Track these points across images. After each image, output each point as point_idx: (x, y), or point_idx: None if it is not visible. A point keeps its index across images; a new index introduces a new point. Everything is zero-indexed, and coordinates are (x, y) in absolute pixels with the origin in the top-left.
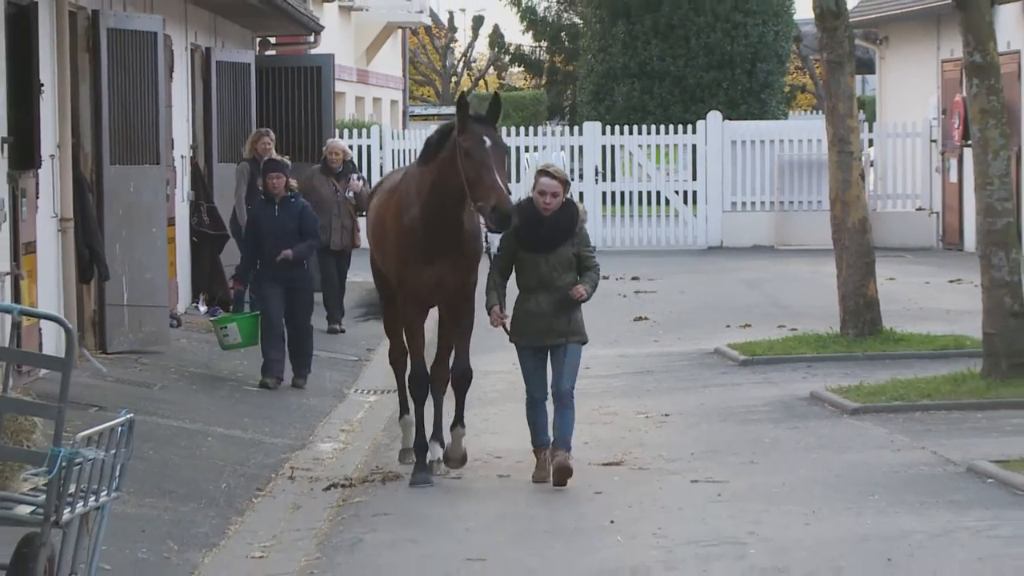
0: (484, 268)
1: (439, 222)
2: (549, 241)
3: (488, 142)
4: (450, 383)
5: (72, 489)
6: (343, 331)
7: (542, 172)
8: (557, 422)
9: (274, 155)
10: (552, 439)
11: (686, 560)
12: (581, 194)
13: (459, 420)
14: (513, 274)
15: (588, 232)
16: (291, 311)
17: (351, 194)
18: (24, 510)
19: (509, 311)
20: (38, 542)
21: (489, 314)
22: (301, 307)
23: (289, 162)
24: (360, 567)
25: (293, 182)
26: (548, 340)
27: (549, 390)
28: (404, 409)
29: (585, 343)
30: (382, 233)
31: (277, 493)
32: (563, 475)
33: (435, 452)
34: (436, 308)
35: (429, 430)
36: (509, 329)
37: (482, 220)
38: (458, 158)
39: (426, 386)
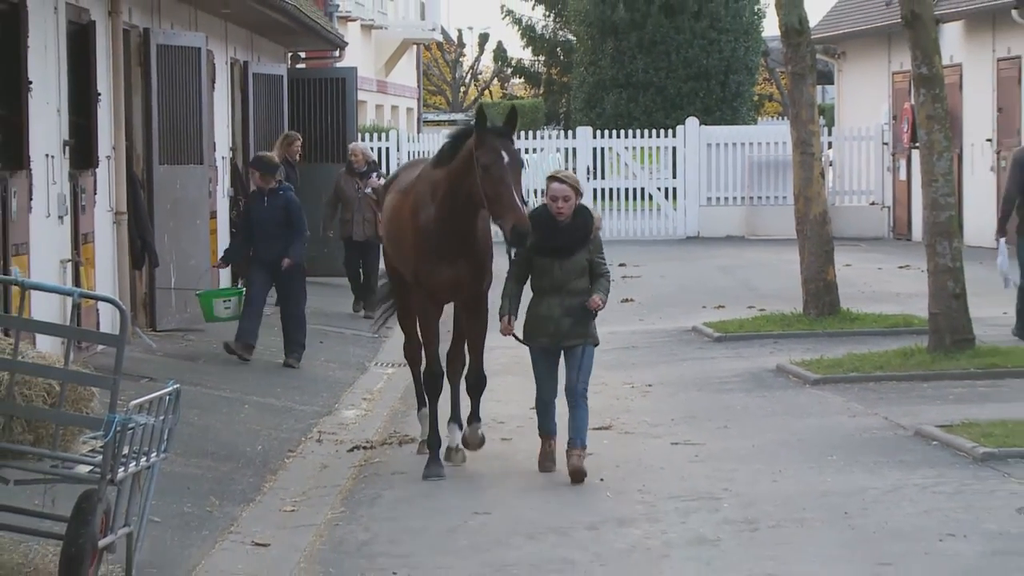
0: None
1: (453, 223)
2: (564, 248)
3: (506, 158)
4: (464, 389)
5: (125, 451)
6: (368, 316)
7: (553, 178)
8: (571, 422)
9: (264, 153)
10: (569, 437)
11: (667, 513)
12: None
13: (475, 416)
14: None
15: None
16: (283, 299)
17: (370, 190)
18: (83, 469)
19: (522, 314)
20: (96, 498)
21: (500, 321)
22: (292, 295)
23: (298, 159)
24: (379, 520)
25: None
26: (559, 342)
27: (560, 390)
28: (421, 403)
29: (597, 344)
30: (397, 231)
31: (306, 454)
32: (579, 476)
33: (454, 437)
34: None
35: (443, 431)
36: (520, 336)
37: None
38: (476, 172)
39: (440, 384)
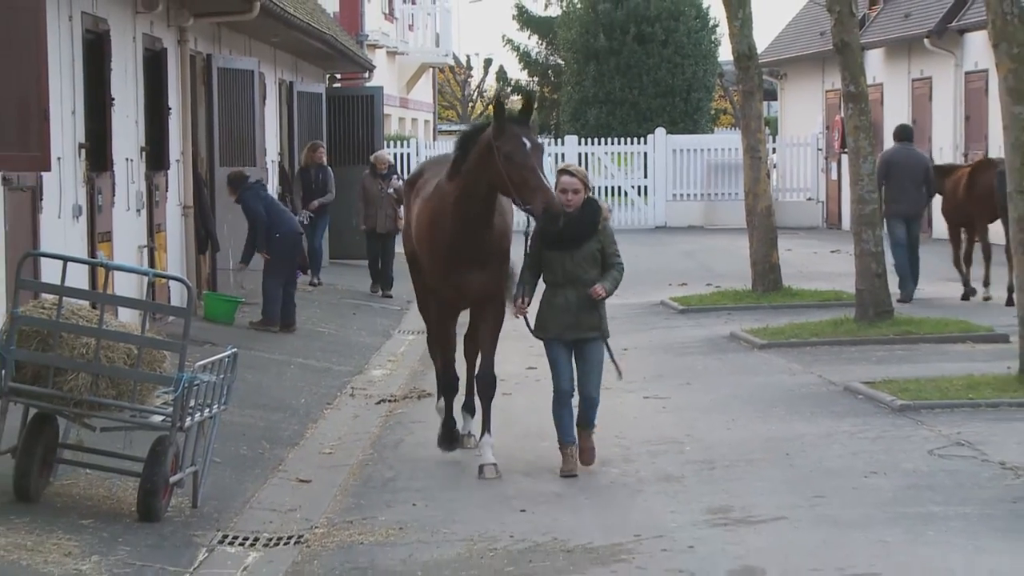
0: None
1: (467, 233)
2: (573, 238)
3: (528, 143)
4: (476, 391)
5: (192, 403)
6: (389, 296)
7: (563, 171)
8: (583, 412)
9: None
10: (577, 422)
11: (640, 455)
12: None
13: (486, 428)
14: None
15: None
16: (287, 283)
17: (392, 190)
18: (157, 419)
19: (534, 308)
20: (167, 442)
21: (513, 304)
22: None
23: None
24: (402, 460)
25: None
26: (574, 334)
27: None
28: (440, 396)
29: (608, 337)
30: (418, 238)
31: (341, 406)
32: (589, 456)
33: (467, 424)
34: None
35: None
36: (532, 325)
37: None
38: (497, 163)
39: (456, 386)
